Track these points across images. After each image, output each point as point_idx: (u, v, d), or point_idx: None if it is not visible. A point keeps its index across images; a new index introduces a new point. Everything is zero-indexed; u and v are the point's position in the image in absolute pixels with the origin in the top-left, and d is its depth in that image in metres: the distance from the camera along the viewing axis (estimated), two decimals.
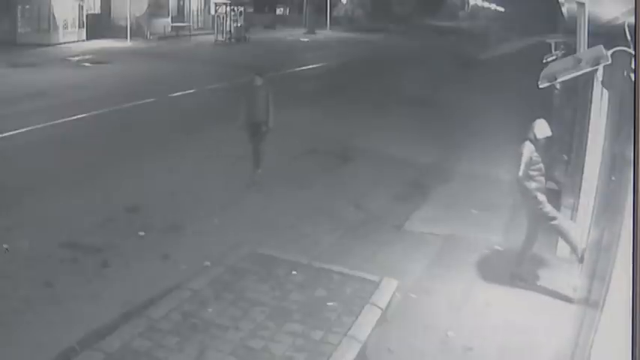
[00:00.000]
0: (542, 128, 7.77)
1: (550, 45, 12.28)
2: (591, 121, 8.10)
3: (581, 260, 7.65)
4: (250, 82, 11.64)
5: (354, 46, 37.30)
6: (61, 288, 7.59)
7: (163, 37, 37.87)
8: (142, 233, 9.22)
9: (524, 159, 7.62)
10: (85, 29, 34.63)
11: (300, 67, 27.56)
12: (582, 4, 7.31)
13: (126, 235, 9.18)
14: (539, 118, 7.96)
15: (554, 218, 7.82)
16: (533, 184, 7.72)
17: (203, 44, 36.36)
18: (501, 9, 60.66)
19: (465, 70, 25.40)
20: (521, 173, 7.64)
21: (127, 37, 34.33)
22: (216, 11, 39.41)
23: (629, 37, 5.24)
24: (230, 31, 37.86)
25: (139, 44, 33.96)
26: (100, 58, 27.67)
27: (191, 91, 20.31)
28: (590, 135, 8.11)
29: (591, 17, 7.32)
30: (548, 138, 7.79)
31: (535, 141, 7.71)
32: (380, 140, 14.55)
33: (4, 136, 13.88)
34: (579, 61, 6.61)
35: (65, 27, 33.47)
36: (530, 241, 7.97)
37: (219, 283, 7.68)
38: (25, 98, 18.17)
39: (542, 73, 7.16)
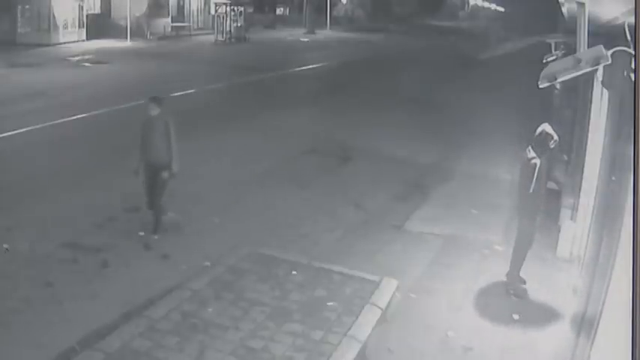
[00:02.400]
0: (549, 133, 7.55)
1: (550, 45, 12.31)
2: (591, 121, 8.10)
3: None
4: (145, 110, 9.48)
5: (354, 46, 37.27)
6: (61, 288, 7.59)
7: (163, 37, 37.82)
8: (141, 233, 9.22)
9: (536, 175, 7.39)
10: (85, 29, 34.58)
11: (300, 67, 27.54)
12: (582, 4, 7.30)
13: (126, 235, 9.19)
14: (542, 121, 7.83)
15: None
16: (534, 205, 7.56)
17: (203, 44, 36.33)
18: (501, 9, 60.72)
19: (465, 70, 25.43)
20: (532, 190, 7.46)
21: (127, 37, 34.29)
22: (216, 11, 39.36)
23: (629, 37, 5.23)
24: (230, 31, 37.84)
25: (139, 44, 33.92)
26: (99, 58, 27.63)
27: (191, 91, 20.29)
28: (590, 135, 8.10)
29: (591, 17, 7.31)
30: (554, 142, 7.60)
31: (541, 150, 7.50)
32: (380, 139, 14.56)
33: (4, 137, 13.87)
34: (579, 61, 6.59)
35: (65, 27, 33.42)
36: (520, 251, 7.80)
37: (219, 283, 7.68)
38: (25, 98, 18.13)
39: (542, 73, 7.13)
